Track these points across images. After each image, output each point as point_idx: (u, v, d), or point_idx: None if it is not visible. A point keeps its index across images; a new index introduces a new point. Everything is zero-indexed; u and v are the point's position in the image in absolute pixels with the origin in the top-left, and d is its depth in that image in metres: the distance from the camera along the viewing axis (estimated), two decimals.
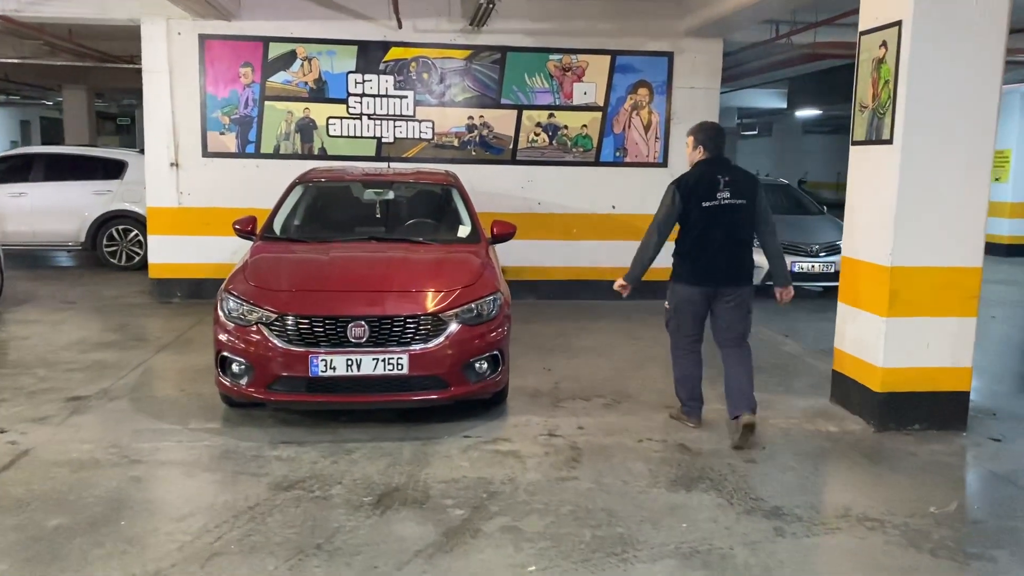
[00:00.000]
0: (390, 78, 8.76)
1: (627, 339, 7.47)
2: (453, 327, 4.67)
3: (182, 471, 4.23)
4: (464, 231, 5.80)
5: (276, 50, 8.62)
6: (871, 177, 5.18)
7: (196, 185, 8.70)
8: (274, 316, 4.58)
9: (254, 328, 4.60)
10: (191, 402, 5.29)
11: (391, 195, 6.15)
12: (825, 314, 9.40)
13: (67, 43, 10.73)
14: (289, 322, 4.56)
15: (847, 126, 5.58)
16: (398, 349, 4.56)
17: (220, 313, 4.77)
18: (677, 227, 4.82)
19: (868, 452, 4.74)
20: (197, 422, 4.92)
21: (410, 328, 4.60)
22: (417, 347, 4.59)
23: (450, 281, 4.89)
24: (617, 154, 9.18)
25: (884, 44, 4.93)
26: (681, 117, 9.21)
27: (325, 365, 4.50)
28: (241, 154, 8.72)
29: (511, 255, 7.49)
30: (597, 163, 9.13)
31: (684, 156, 9.00)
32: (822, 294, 10.42)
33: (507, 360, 5.01)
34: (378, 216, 6.02)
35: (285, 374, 4.55)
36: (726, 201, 4.66)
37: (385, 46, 8.73)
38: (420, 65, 8.79)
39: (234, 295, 4.76)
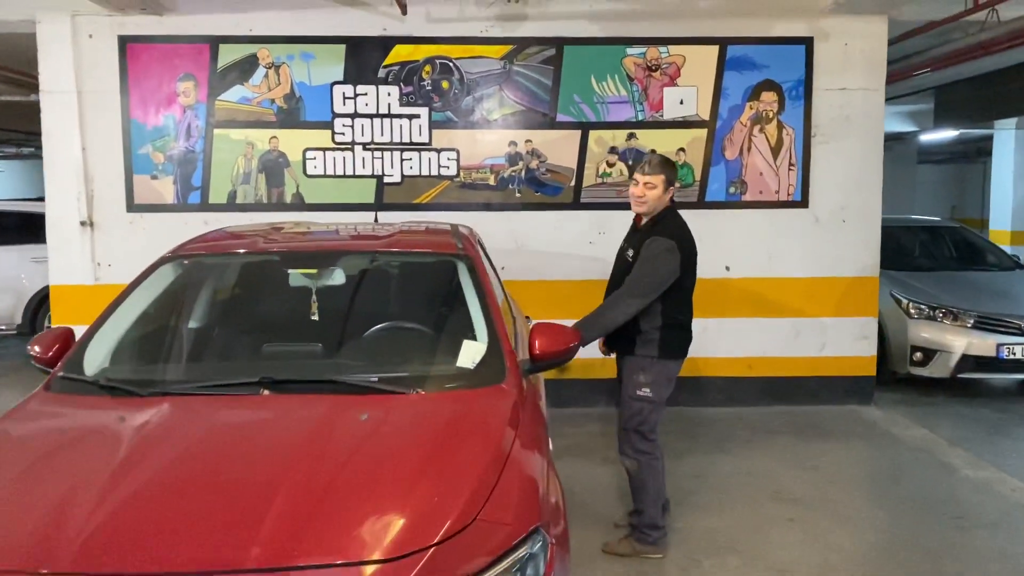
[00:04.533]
0: (393, 90, 5.99)
1: (806, 510, 4.37)
2: None
3: None
4: (472, 353, 2.81)
5: (229, 54, 5.95)
6: None
7: (119, 253, 6.01)
8: None
9: None
10: None
11: (340, 280, 3.25)
12: None
13: None
14: None
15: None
16: None
17: None
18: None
19: None
20: None
21: None
22: None
23: (419, 513, 1.96)
24: (732, 190, 6.18)
25: None
26: (827, 133, 6.19)
27: None
28: (182, 206, 6.03)
29: None
30: (701, 204, 6.14)
31: (827, 190, 6.13)
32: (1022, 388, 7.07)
33: None
34: (314, 320, 3.12)
35: None
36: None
37: (385, 43, 5.98)
38: (437, 69, 6.01)
39: None
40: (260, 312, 3.35)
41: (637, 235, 3.83)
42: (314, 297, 3.15)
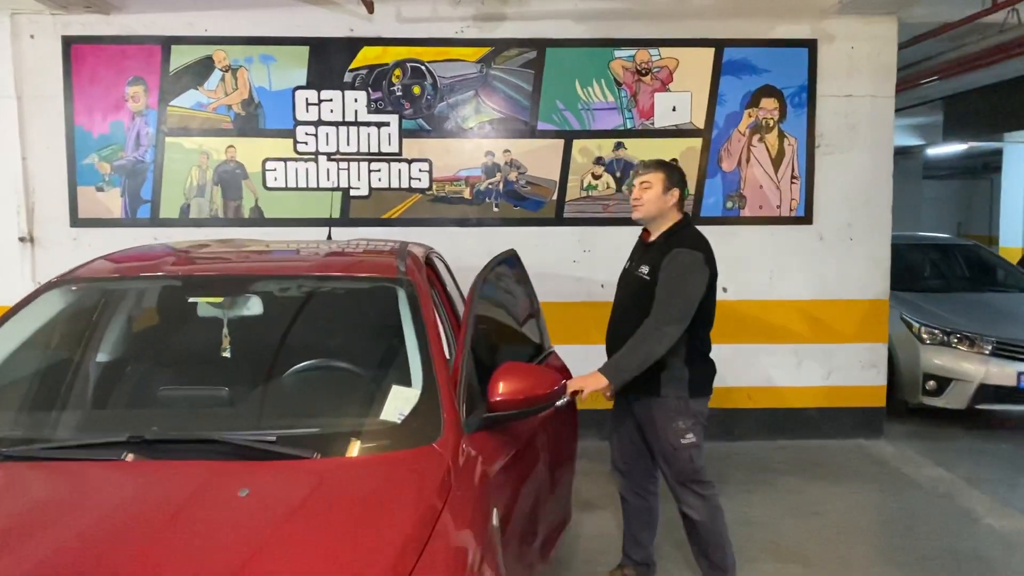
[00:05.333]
0: (361, 96, 5.52)
1: None
2: None
3: None
4: (400, 402, 2.29)
5: (182, 56, 5.49)
6: None
7: (62, 270, 5.52)
8: None
9: None
10: None
11: (257, 310, 2.75)
12: None
13: None
14: None
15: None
16: None
17: None
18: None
19: None
20: None
21: None
22: None
23: None
24: (729, 204, 5.69)
25: None
26: (833, 143, 5.71)
27: None
28: (130, 221, 5.56)
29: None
30: (696, 219, 5.62)
31: (833, 205, 5.69)
32: None
33: None
34: (223, 359, 2.62)
35: None
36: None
37: (352, 45, 5.52)
38: (408, 73, 5.54)
39: None
40: (158, 350, 2.85)
41: (649, 251, 3.31)
42: (225, 331, 2.65)
